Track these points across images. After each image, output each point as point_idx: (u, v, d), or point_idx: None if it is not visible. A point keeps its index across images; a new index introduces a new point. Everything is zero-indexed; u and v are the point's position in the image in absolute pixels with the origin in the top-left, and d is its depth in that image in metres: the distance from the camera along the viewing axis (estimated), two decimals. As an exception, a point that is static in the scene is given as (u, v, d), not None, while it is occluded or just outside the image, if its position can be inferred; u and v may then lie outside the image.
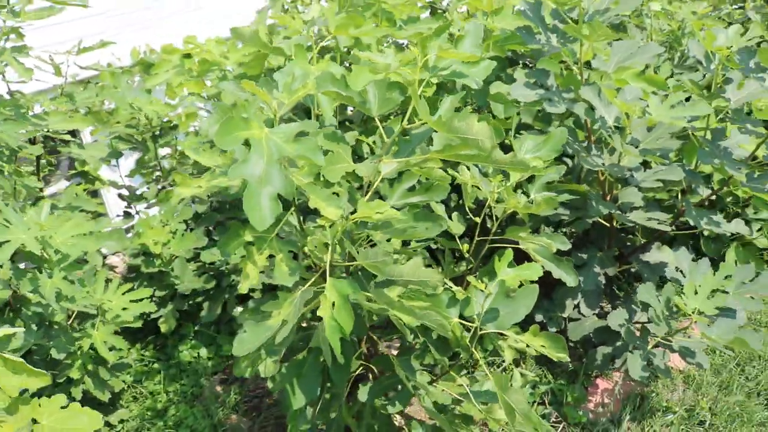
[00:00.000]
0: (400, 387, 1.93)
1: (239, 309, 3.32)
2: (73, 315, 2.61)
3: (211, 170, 1.66)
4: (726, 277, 2.24)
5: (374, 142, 2.02)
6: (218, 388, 2.89)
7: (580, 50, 2.25)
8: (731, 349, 2.73)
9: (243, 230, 1.54)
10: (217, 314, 3.13)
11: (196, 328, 3.22)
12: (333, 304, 1.40)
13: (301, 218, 1.62)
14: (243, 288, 1.50)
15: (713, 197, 2.66)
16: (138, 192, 3.53)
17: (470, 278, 1.68)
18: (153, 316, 3.10)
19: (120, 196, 3.57)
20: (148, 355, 3.09)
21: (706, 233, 3.06)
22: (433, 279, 1.53)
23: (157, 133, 3.39)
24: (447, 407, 1.95)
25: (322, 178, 1.47)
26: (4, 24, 2.51)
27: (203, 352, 3.09)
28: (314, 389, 1.72)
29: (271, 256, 1.55)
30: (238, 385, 2.91)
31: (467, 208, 1.98)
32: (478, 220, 1.97)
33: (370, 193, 1.52)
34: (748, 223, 3.06)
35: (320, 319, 1.79)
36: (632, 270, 2.77)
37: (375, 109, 1.57)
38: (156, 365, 3.03)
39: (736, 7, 4.67)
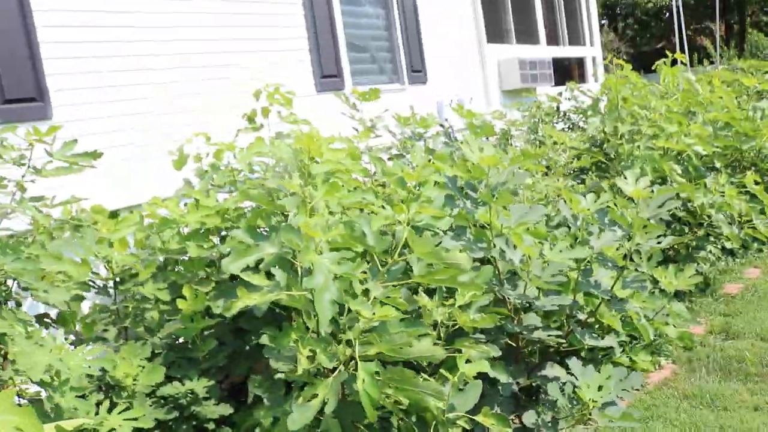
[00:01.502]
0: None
1: (197, 440, 3.62)
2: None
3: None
4: (608, 377, 2.99)
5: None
6: None
7: (489, 211, 3.07)
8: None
9: (291, 332, 2.09)
10: (178, 445, 3.42)
11: (154, 461, 3.46)
12: (363, 381, 1.96)
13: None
14: (299, 370, 2.02)
15: (588, 321, 3.47)
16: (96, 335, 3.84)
17: (442, 370, 2.30)
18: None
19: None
20: (110, 490, 3.28)
21: (582, 354, 3.85)
22: (438, 353, 2.13)
23: (118, 280, 3.80)
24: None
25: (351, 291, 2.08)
26: (22, 178, 2.95)
27: (165, 481, 3.33)
28: (327, 464, 2.20)
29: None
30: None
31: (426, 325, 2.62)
32: (434, 333, 2.61)
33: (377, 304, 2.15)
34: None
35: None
36: (533, 384, 3.46)
37: (376, 247, 2.23)
38: (120, 498, 3.22)
39: (578, 182, 5.91)
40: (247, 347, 3.76)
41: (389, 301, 2.35)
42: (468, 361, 2.66)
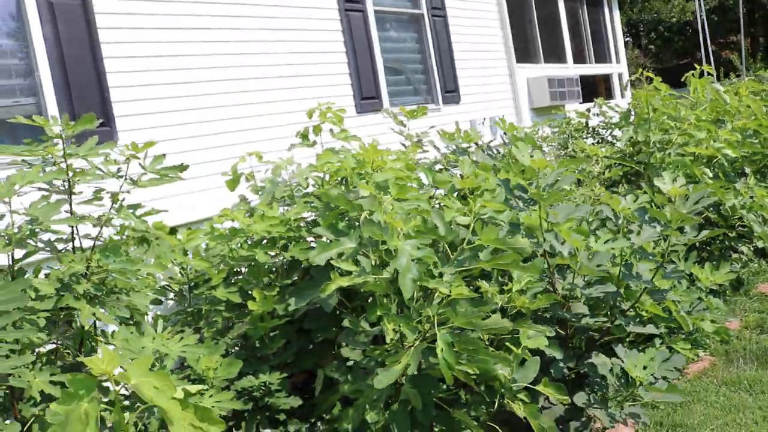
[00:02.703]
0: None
1: (268, 430, 3.93)
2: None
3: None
4: (651, 359, 3.26)
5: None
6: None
7: (539, 209, 3.37)
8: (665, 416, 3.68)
9: (377, 309, 2.41)
10: (254, 433, 3.74)
11: (231, 449, 3.78)
12: (441, 349, 2.26)
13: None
14: (388, 339, 2.33)
15: (629, 312, 3.73)
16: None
17: (507, 344, 2.59)
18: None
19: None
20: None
21: (625, 345, 4.11)
22: (507, 324, 2.43)
23: (192, 285, 4.15)
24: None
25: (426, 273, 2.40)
26: (120, 189, 3.31)
27: (244, 466, 3.64)
28: (407, 427, 2.50)
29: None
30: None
31: (487, 309, 2.92)
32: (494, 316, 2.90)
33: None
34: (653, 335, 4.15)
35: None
36: (580, 372, 3.72)
37: (447, 236, 2.55)
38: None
39: (610, 192, 6.16)
40: (311, 346, 4.08)
41: (454, 287, 2.65)
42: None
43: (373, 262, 2.70)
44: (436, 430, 2.69)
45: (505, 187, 3.40)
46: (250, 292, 3.96)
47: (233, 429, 3.90)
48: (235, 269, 4.30)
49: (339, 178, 4.44)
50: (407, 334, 2.33)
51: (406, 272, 2.20)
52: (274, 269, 4.25)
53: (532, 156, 3.34)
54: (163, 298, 4.04)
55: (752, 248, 5.76)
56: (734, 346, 4.44)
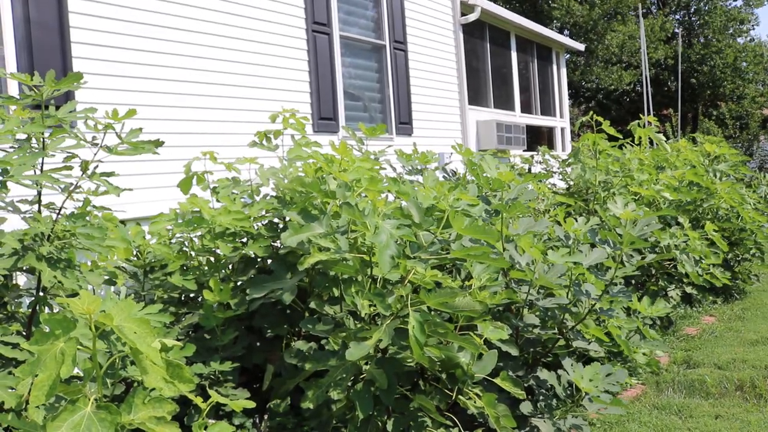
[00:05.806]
0: (412, 422, 2.78)
1: (212, 420, 3.87)
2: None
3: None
4: (596, 373, 3.42)
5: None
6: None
7: (501, 220, 3.53)
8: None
9: (351, 287, 2.47)
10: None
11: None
12: (413, 327, 2.34)
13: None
14: (363, 313, 2.40)
15: (577, 328, 3.91)
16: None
17: (471, 333, 2.70)
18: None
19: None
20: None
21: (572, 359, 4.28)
22: (478, 306, 2.53)
23: (148, 269, 4.10)
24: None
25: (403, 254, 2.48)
26: (94, 156, 3.27)
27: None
28: (370, 406, 2.55)
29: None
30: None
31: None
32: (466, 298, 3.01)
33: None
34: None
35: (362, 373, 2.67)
36: (525, 385, 3.85)
37: (422, 224, 2.65)
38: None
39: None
40: (259, 343, 4.08)
41: (429, 274, 2.75)
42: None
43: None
44: (392, 419, 2.73)
45: (482, 198, 3.54)
46: (205, 283, 3.95)
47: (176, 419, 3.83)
48: (191, 261, 4.26)
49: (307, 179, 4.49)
50: (381, 311, 2.40)
51: (385, 249, 2.29)
52: (230, 265, 4.25)
53: (498, 169, 3.51)
54: (115, 280, 3.97)
55: (680, 294, 6.11)
56: (664, 378, 4.68)
